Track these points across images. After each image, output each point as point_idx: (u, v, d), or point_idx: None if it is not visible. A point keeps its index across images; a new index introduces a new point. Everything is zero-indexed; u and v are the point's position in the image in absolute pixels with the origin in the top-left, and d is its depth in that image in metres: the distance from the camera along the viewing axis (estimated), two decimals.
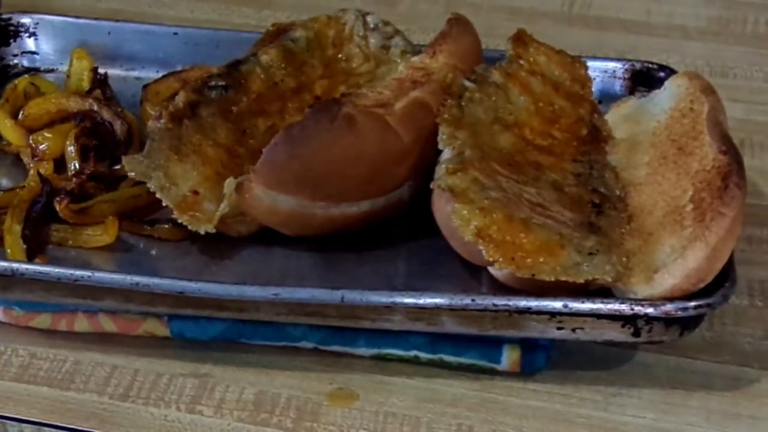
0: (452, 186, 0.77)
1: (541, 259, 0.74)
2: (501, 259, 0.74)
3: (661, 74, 0.97)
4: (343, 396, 0.78)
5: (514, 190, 0.79)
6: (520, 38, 0.92)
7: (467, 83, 0.85)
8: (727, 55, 1.16)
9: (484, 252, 0.74)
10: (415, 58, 0.90)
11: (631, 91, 0.99)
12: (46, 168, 0.91)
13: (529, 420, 0.76)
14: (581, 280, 0.74)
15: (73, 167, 0.91)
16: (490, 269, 0.77)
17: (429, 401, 0.77)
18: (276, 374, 0.79)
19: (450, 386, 0.78)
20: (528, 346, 0.78)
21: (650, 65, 1.00)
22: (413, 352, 0.79)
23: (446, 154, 0.80)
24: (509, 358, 0.78)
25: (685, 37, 1.20)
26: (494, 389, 0.78)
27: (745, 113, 1.06)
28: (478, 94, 0.85)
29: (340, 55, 0.95)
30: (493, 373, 0.79)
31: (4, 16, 1.08)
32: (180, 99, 0.88)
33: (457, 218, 0.76)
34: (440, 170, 0.79)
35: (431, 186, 0.79)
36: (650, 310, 0.73)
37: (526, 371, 0.78)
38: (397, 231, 0.85)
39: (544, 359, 0.78)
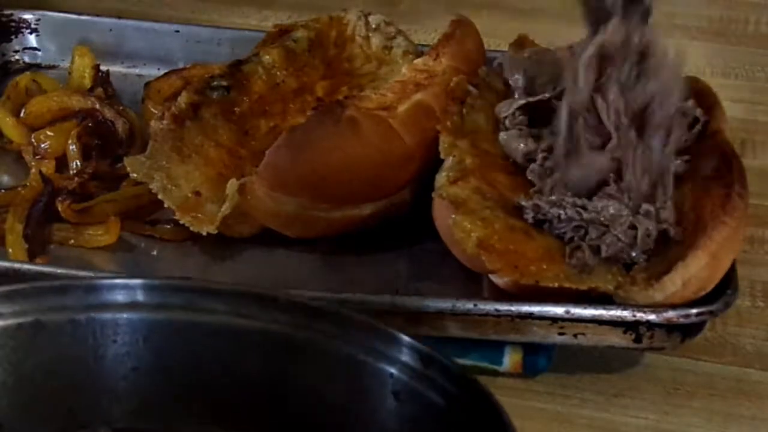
0: (453, 196, 0.77)
1: (544, 266, 0.74)
2: (504, 268, 0.74)
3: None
4: None
5: (515, 197, 0.79)
6: (522, 43, 0.92)
7: (471, 88, 0.86)
8: (729, 55, 1.16)
9: (486, 262, 0.74)
10: (418, 60, 0.90)
11: None
12: (48, 167, 0.91)
13: (530, 421, 0.76)
14: (584, 288, 0.74)
15: (74, 166, 0.91)
16: (492, 276, 0.76)
17: None
18: None
19: None
20: (530, 347, 0.78)
21: None
22: None
23: (447, 161, 0.80)
24: (511, 360, 0.78)
25: (686, 37, 1.19)
26: (496, 390, 0.77)
27: (746, 113, 1.06)
28: (479, 101, 0.85)
29: (342, 56, 0.95)
30: (494, 374, 0.79)
31: (6, 12, 1.09)
32: (182, 100, 0.88)
33: (458, 230, 0.75)
34: (441, 179, 0.79)
35: (433, 195, 0.79)
36: (652, 317, 0.73)
37: (528, 373, 0.78)
38: (399, 233, 0.85)
39: (545, 361, 0.78)
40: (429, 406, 0.58)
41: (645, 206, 0.76)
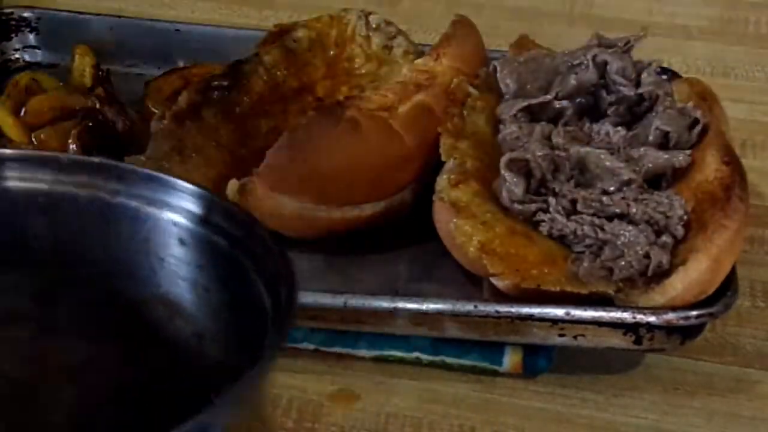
0: (455, 200, 0.77)
1: (545, 270, 0.74)
2: (505, 271, 0.74)
3: (664, 77, 0.97)
4: (345, 397, 0.78)
5: None
6: (522, 44, 0.92)
7: (471, 89, 0.86)
8: (729, 55, 1.16)
9: (487, 265, 0.75)
10: (418, 61, 0.90)
11: None
12: None
13: (530, 421, 0.76)
14: (585, 291, 0.74)
15: None
16: (493, 279, 0.77)
17: (431, 402, 0.77)
18: (277, 375, 0.79)
19: (452, 387, 0.78)
20: (530, 348, 0.78)
21: None
22: (415, 354, 0.79)
23: (449, 164, 0.80)
24: (511, 360, 0.78)
25: (686, 37, 1.19)
26: (496, 390, 0.78)
27: (746, 113, 1.06)
28: (480, 102, 0.85)
29: (342, 56, 0.96)
30: (494, 374, 0.79)
31: (6, 11, 1.09)
32: (182, 100, 0.88)
33: (459, 234, 0.76)
34: (442, 182, 0.79)
35: (434, 198, 0.79)
36: (652, 319, 0.73)
37: (528, 374, 0.78)
38: (400, 234, 0.85)
39: (546, 361, 0.78)
40: (215, 251, 0.58)
41: (664, 238, 0.76)
